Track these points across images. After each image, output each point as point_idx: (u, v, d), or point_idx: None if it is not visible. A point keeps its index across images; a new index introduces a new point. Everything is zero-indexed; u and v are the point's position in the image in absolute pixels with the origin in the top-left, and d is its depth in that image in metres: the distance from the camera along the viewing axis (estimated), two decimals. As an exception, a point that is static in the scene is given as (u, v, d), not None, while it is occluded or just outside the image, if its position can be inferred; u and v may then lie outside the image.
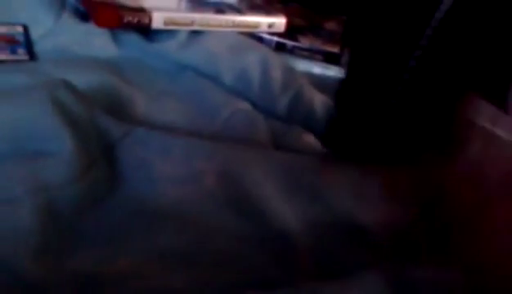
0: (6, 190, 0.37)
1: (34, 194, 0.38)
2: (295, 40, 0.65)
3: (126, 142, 0.44)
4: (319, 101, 0.56)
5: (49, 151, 0.40)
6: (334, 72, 0.64)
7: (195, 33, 0.58)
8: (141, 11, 0.55)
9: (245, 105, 0.55)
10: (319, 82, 0.62)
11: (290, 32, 0.65)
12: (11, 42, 0.53)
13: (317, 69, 0.64)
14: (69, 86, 0.45)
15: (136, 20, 0.55)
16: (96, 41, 0.56)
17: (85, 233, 0.39)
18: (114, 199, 0.41)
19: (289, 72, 0.59)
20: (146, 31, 0.57)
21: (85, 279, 0.36)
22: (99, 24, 0.54)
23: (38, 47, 0.54)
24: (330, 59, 0.65)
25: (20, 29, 0.54)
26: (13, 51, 0.53)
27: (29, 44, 0.54)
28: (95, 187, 0.41)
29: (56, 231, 0.38)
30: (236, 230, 0.41)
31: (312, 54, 0.64)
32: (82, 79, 0.49)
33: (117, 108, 0.50)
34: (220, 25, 0.59)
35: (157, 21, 0.56)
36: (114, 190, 0.42)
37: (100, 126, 0.44)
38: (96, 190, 0.41)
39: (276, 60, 0.60)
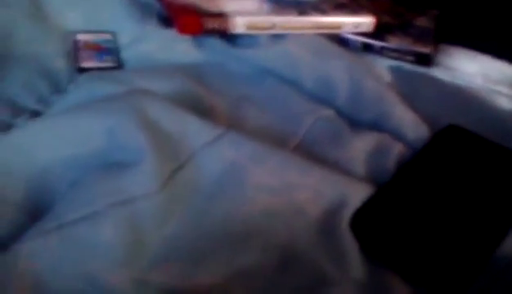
0: (89, 205, 0.37)
1: (116, 208, 0.38)
2: (383, 40, 0.61)
3: (218, 144, 0.44)
4: (410, 123, 0.52)
5: (132, 162, 0.41)
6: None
7: (277, 36, 0.57)
8: (223, 16, 0.54)
9: (329, 112, 0.53)
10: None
11: (378, 31, 0.62)
12: (98, 50, 0.55)
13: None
14: (153, 95, 0.46)
15: (217, 26, 0.54)
16: (179, 47, 0.56)
17: (169, 244, 0.39)
18: (200, 205, 0.41)
19: (382, 84, 0.56)
20: (228, 35, 0.56)
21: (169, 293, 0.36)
22: (181, 31, 0.54)
23: (124, 54, 0.55)
24: (421, 59, 0.60)
25: (108, 36, 0.56)
26: (100, 59, 0.54)
27: (116, 51, 0.55)
28: (179, 194, 0.41)
29: (139, 243, 0.38)
30: (323, 254, 0.39)
31: (401, 54, 0.61)
32: (164, 87, 0.49)
33: (199, 114, 0.49)
34: (302, 27, 0.57)
35: (238, 26, 0.55)
36: (200, 196, 0.41)
37: (189, 129, 0.44)
38: (181, 197, 0.41)
39: (366, 69, 0.57)
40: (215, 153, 0.43)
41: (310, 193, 0.43)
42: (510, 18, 0.70)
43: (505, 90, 0.60)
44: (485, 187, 0.46)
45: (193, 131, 0.43)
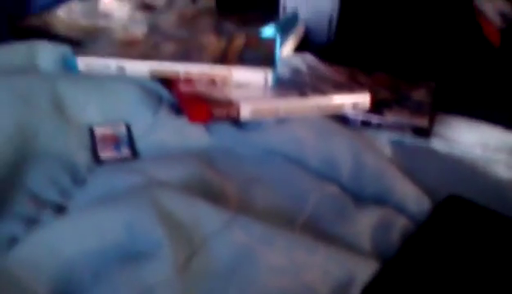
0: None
1: None
2: (381, 113, 0.65)
3: (228, 229, 0.47)
4: (412, 197, 0.55)
5: (150, 251, 0.44)
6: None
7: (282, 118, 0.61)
8: (230, 104, 0.58)
9: (334, 189, 0.56)
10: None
11: (376, 106, 0.65)
12: (115, 141, 0.59)
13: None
14: (167, 187, 0.49)
15: (225, 114, 0.58)
16: (190, 133, 0.60)
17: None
18: (215, 290, 0.43)
19: (383, 159, 0.59)
20: (236, 120, 0.60)
21: None
22: (191, 119, 0.58)
23: (139, 144, 0.59)
24: (418, 132, 0.64)
25: (123, 128, 0.60)
26: (117, 149, 0.58)
27: (131, 142, 0.59)
28: (195, 279, 0.43)
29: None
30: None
31: (399, 128, 0.64)
32: (178, 175, 0.53)
33: (210, 199, 0.52)
34: (304, 110, 0.61)
35: (245, 112, 0.59)
36: (214, 280, 0.44)
37: (201, 216, 0.47)
38: (197, 283, 0.43)
39: (367, 145, 0.60)
40: (226, 238, 0.46)
41: (318, 272, 0.45)
42: (507, 85, 0.74)
43: (504, 157, 0.62)
44: (490, 257, 0.48)
45: (204, 218, 0.46)
